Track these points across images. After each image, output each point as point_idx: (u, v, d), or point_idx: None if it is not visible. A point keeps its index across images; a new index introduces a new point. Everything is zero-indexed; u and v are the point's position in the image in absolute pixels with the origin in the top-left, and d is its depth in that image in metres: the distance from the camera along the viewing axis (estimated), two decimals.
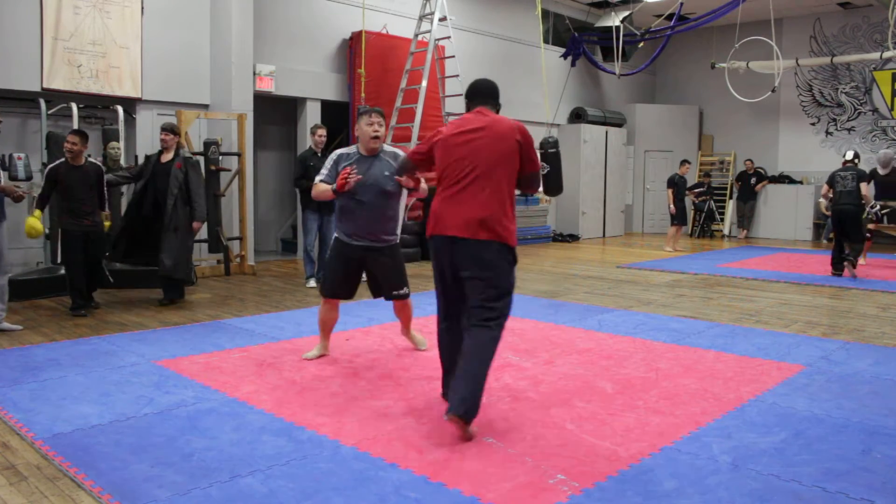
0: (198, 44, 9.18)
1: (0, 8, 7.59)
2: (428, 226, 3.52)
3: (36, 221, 5.93)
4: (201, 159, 8.52)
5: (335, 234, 4.58)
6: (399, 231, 4.64)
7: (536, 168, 3.52)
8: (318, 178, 4.48)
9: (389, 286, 4.59)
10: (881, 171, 10.44)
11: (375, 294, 4.70)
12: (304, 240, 7.81)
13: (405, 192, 4.50)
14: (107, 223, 6.83)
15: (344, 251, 4.48)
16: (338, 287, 4.58)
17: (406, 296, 4.65)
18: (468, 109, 3.62)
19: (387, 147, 4.53)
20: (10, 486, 2.81)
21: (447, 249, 3.43)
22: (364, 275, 4.65)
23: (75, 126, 7.42)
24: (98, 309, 6.38)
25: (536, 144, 14.38)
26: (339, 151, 4.55)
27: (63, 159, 6.13)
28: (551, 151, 10.35)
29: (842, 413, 3.71)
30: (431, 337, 5.39)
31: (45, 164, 7.44)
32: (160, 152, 6.60)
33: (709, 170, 16.09)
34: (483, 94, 3.61)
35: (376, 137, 4.38)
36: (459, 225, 3.35)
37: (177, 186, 6.42)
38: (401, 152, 4.45)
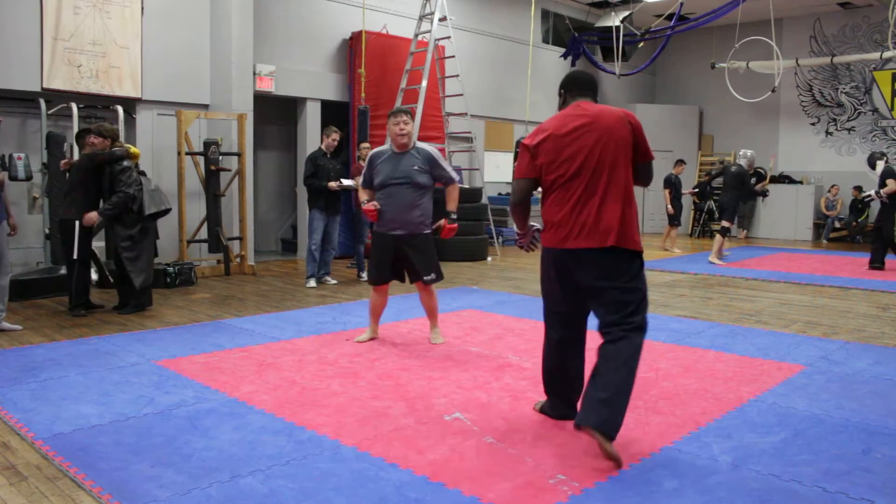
0: (198, 44, 9.18)
1: (0, 8, 7.59)
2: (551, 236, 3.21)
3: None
4: (201, 159, 8.55)
5: (374, 229, 5.03)
6: (430, 222, 5.01)
7: (651, 157, 3.24)
8: (361, 182, 5.09)
9: (418, 271, 4.96)
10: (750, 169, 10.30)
11: (411, 279, 5.13)
12: (309, 239, 7.82)
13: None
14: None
15: (381, 241, 4.98)
16: (380, 273, 5.02)
17: (432, 281, 5.00)
18: (566, 104, 3.31)
19: (420, 144, 4.97)
20: (10, 486, 2.81)
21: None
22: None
23: (75, 126, 7.42)
24: (102, 308, 6.38)
25: (513, 144, 14.14)
26: (372, 152, 5.02)
27: (89, 154, 6.13)
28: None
29: (842, 413, 3.71)
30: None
31: (45, 165, 7.46)
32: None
33: (711, 169, 16.09)
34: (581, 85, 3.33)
35: (403, 135, 4.83)
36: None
37: (108, 193, 6.13)
38: (435, 152, 4.94)
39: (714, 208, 15.41)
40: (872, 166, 10.27)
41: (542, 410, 3.61)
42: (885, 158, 10.20)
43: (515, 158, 10.06)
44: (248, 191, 9.09)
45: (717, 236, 10.45)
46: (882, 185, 9.46)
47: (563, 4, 14.68)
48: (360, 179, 5.12)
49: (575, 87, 3.32)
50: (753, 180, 14.95)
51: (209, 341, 5.21)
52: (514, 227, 3.55)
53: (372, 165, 4.93)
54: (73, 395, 3.89)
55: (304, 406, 3.74)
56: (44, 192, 7.54)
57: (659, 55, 14.80)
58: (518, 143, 10.13)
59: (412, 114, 5.09)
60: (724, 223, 10.30)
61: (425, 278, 4.96)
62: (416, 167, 4.83)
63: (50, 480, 2.87)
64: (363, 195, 5.04)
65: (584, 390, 3.08)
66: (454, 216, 5.09)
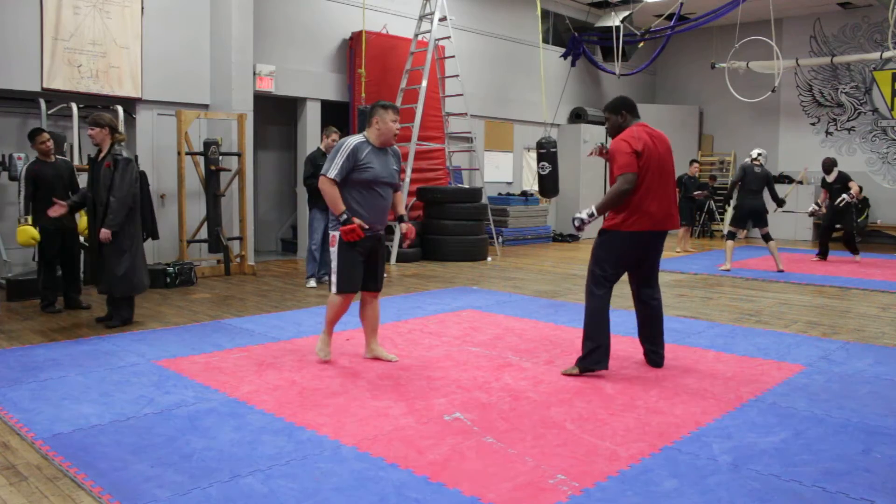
0: (198, 44, 9.18)
1: (0, 8, 7.59)
2: (632, 221, 4.25)
3: (30, 229, 6.02)
4: (201, 159, 8.54)
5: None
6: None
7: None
8: (333, 173, 4.29)
9: (378, 277, 4.65)
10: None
11: (363, 287, 4.60)
12: (309, 239, 7.82)
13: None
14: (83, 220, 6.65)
15: (363, 243, 4.42)
16: (361, 278, 4.52)
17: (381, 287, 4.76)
18: (627, 122, 4.40)
19: None
20: (10, 486, 2.81)
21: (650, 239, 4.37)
22: None
23: (76, 126, 7.42)
24: (90, 309, 6.38)
25: (533, 144, 14.04)
26: (353, 142, 4.37)
27: (35, 158, 6.29)
28: (552, 151, 10.39)
29: (842, 413, 3.71)
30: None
31: None
32: (98, 151, 5.70)
33: (711, 171, 16.08)
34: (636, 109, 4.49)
35: (397, 135, 4.53)
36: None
37: (106, 189, 5.52)
38: (399, 151, 4.72)
39: (714, 208, 15.40)
40: (828, 172, 10.37)
41: (585, 369, 4.33)
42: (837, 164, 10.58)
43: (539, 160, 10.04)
44: (248, 191, 9.09)
45: (729, 242, 9.67)
46: (846, 188, 10.23)
47: (563, 4, 14.67)
48: (336, 171, 4.31)
49: (634, 110, 4.45)
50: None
51: (209, 341, 5.21)
52: (591, 210, 4.35)
53: (356, 157, 4.32)
54: (73, 395, 3.90)
55: (304, 406, 3.74)
56: None
57: (659, 55, 14.81)
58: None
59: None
60: (732, 228, 9.60)
61: (381, 282, 4.66)
62: (394, 167, 4.53)
63: (50, 480, 2.87)
64: (340, 203, 4.31)
65: (647, 339, 4.57)
66: (406, 218, 4.80)
